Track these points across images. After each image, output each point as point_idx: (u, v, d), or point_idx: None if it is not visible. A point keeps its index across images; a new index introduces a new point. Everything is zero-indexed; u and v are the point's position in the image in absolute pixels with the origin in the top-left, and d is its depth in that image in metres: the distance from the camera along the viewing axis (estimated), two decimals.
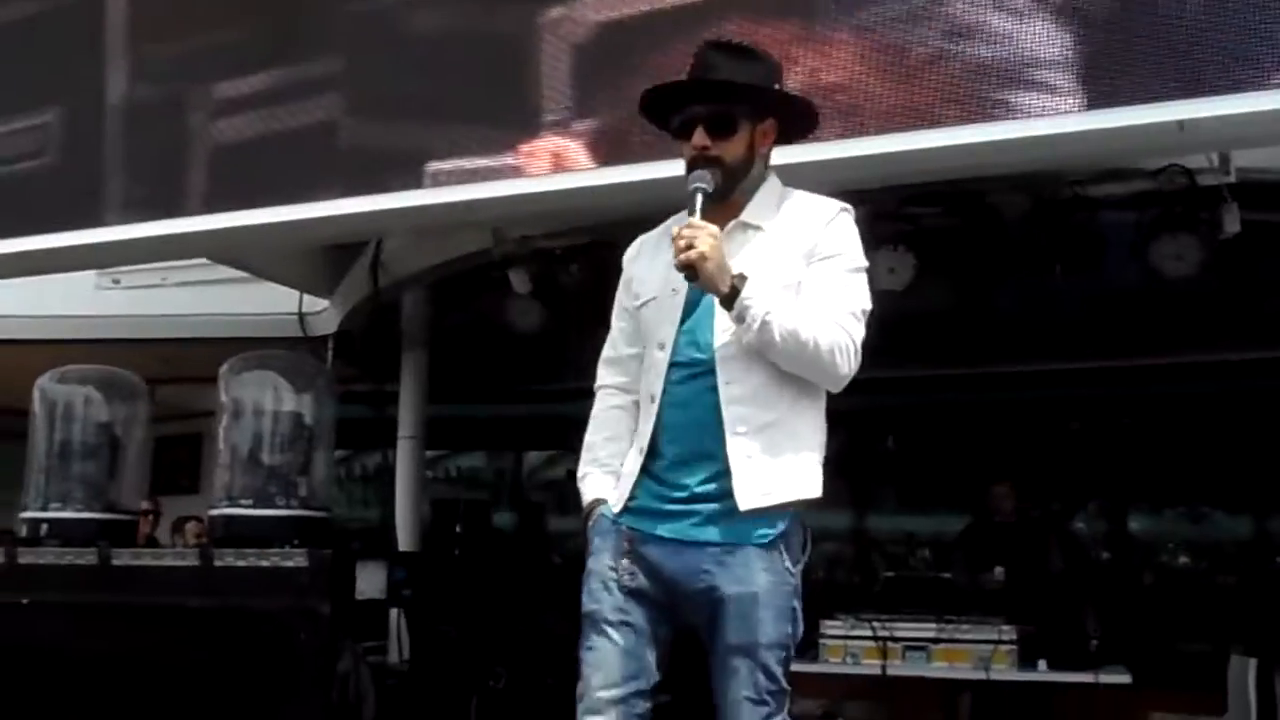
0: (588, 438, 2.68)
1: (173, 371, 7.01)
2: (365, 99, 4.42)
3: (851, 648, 5.53)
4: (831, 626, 5.58)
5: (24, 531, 5.52)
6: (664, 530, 2.47)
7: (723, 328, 2.43)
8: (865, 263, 2.48)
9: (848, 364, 2.39)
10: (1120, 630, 6.58)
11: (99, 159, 4.75)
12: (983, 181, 4.26)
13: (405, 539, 6.66)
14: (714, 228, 2.35)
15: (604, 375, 2.67)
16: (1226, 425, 8.27)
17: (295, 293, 6.55)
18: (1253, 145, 3.93)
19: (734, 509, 2.40)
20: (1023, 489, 6.50)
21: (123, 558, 5.12)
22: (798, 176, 2.65)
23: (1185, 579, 9.23)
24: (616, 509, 2.54)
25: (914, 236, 4.75)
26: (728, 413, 2.41)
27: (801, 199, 2.54)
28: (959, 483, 8.32)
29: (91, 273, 6.62)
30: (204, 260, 6.23)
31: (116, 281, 6.86)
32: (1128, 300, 5.78)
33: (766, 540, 2.42)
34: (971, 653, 5.38)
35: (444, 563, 7.43)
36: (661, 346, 2.49)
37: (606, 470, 2.62)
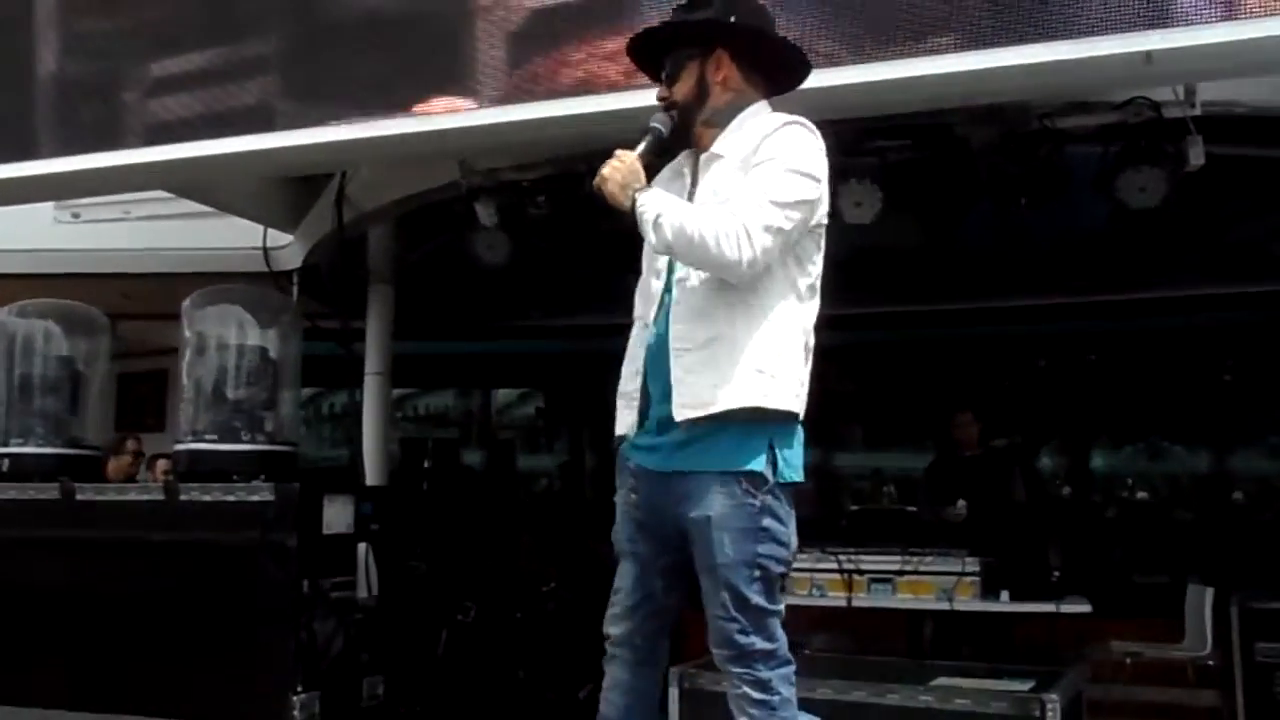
0: (624, 373, 2.76)
1: (135, 307, 6.92)
2: (327, 27, 4.34)
3: (818, 580, 5.60)
4: (798, 560, 5.63)
5: None
6: (647, 463, 2.63)
7: None
8: (801, 166, 2.51)
9: (736, 249, 2.42)
10: (1081, 562, 6.70)
11: (41, 88, 4.67)
12: (950, 114, 4.24)
13: (373, 475, 6.64)
14: (626, 154, 2.53)
15: (636, 306, 2.78)
16: (1187, 360, 8.37)
17: (259, 227, 6.45)
18: (1220, 77, 3.95)
19: (689, 435, 2.51)
20: (987, 424, 6.55)
21: (86, 493, 5.08)
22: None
23: (1144, 512, 9.38)
24: (630, 433, 2.68)
25: (880, 170, 4.73)
26: (672, 332, 2.55)
27: (758, 121, 2.61)
28: (925, 419, 8.40)
29: (49, 206, 6.50)
30: (166, 194, 6.13)
31: (76, 215, 6.74)
32: (1093, 234, 5.80)
33: (721, 466, 2.49)
34: (935, 584, 5.46)
35: (412, 498, 7.44)
36: (658, 274, 2.66)
37: (628, 402, 2.71)
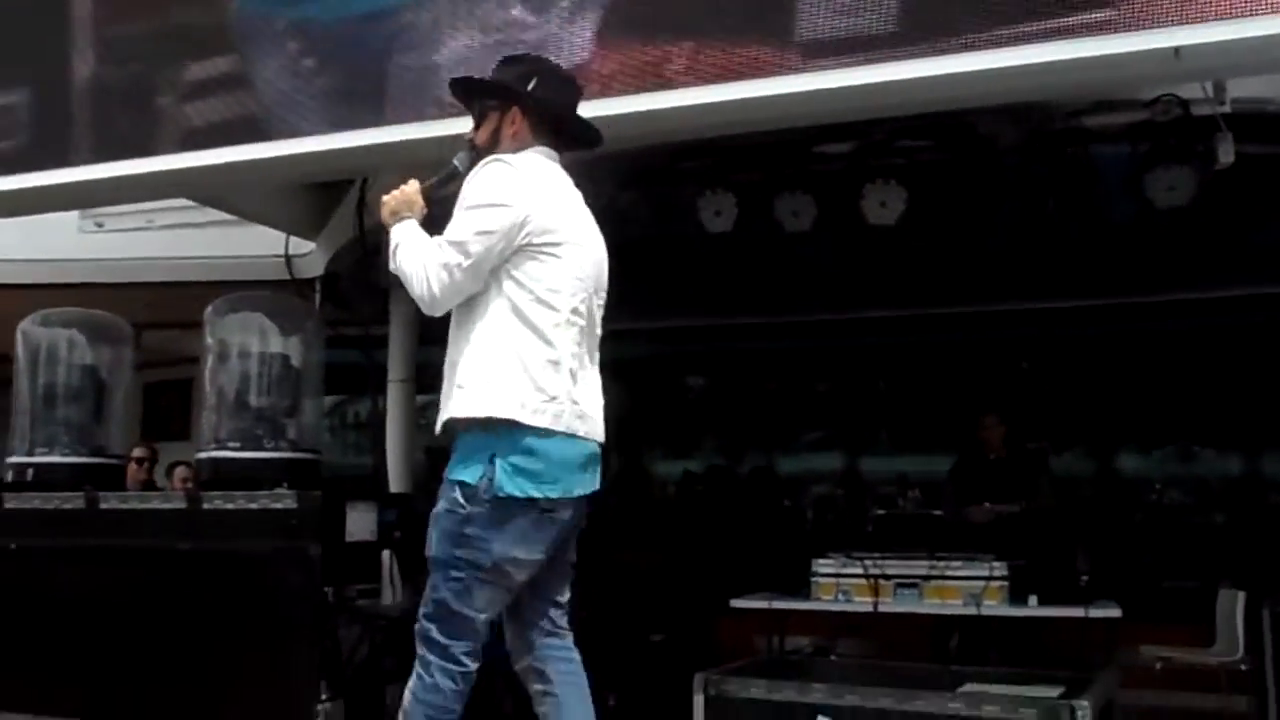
0: None
1: (159, 315, 6.95)
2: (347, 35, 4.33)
3: (843, 585, 5.55)
4: (824, 565, 5.60)
5: (10, 476, 5.48)
6: None
7: None
8: (480, 200, 2.76)
9: (421, 286, 2.76)
10: (1110, 567, 6.62)
11: (75, 98, 4.68)
12: (975, 114, 4.20)
13: (397, 483, 6.64)
14: (411, 183, 2.89)
15: None
16: (1217, 362, 8.26)
17: (281, 235, 6.47)
18: (1250, 73, 3.88)
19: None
20: (1014, 427, 6.49)
21: (110, 501, 5.09)
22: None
23: (1174, 516, 9.27)
24: None
25: (905, 171, 4.69)
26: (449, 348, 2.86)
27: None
28: (951, 422, 8.33)
29: (74, 215, 6.54)
30: (189, 203, 6.16)
31: (100, 225, 6.78)
32: (1121, 234, 5.73)
33: (447, 474, 2.79)
34: (962, 589, 5.40)
35: (436, 506, 7.42)
36: None
37: None
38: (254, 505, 4.71)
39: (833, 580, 5.55)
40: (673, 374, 9.90)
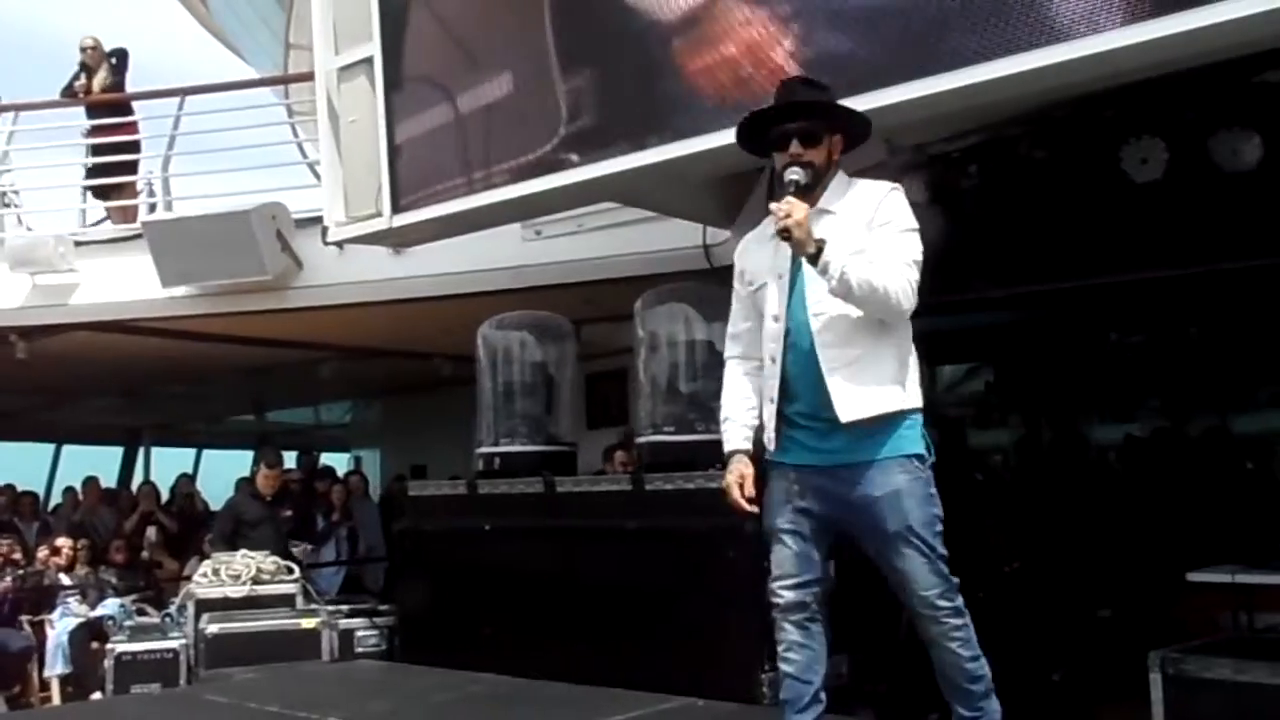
0: (725, 399, 3.48)
1: (595, 311, 7.46)
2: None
3: None
4: None
5: (480, 465, 6.13)
6: (812, 460, 3.24)
7: (815, 298, 3.20)
8: (915, 225, 3.23)
9: (908, 301, 3.16)
10: None
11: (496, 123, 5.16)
12: None
13: None
14: (803, 205, 3.13)
15: (732, 348, 3.50)
16: None
17: (699, 226, 6.74)
18: None
19: (849, 432, 3.16)
20: None
21: (565, 485, 5.56)
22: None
23: None
24: (771, 448, 3.31)
25: (1257, 112, 4.17)
26: (823, 356, 3.19)
27: (860, 185, 3.32)
28: None
29: (517, 227, 7.16)
30: (613, 205, 6.57)
31: (539, 233, 7.38)
32: None
33: (894, 452, 3.17)
34: None
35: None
36: (776, 319, 3.29)
37: (741, 424, 3.41)
38: (691, 485, 4.98)
39: None
40: (1098, 333, 9.29)
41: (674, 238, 6.87)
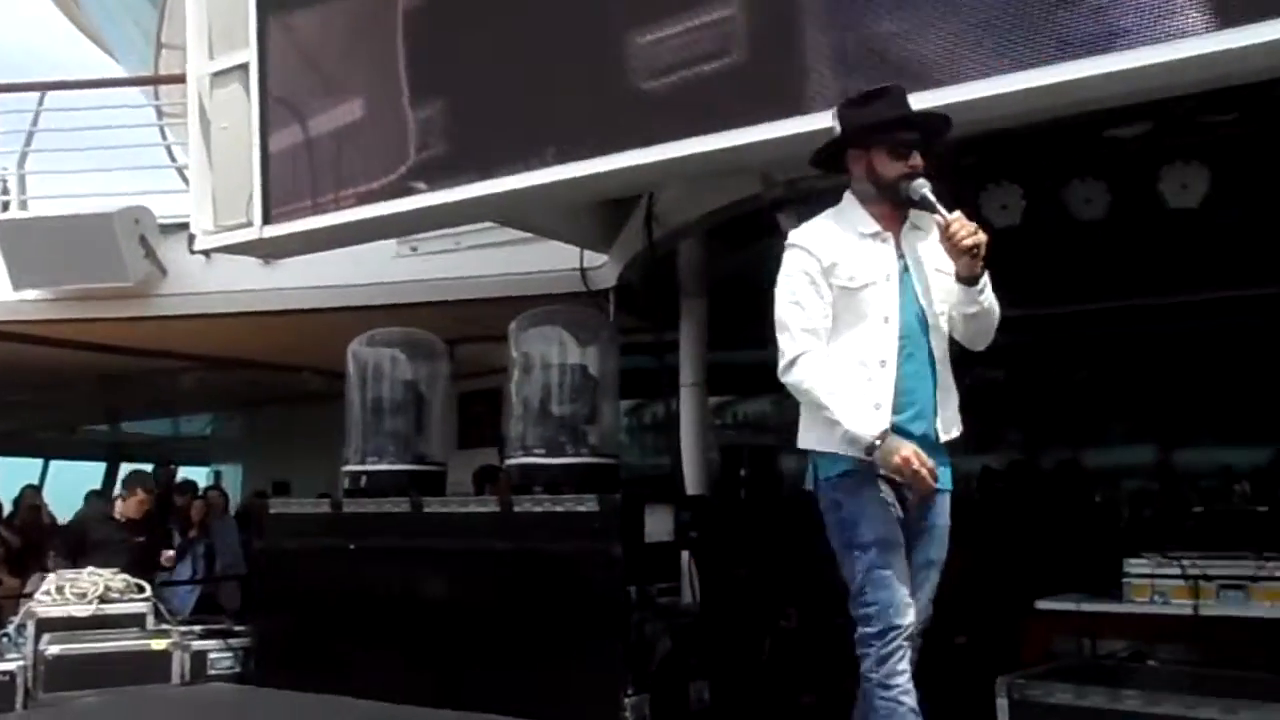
0: (828, 388, 3.17)
1: (468, 331, 7.42)
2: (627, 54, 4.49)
3: (1159, 587, 5.24)
4: (1137, 565, 5.31)
5: (346, 483, 6.03)
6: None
7: (937, 306, 3.21)
8: None
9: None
10: None
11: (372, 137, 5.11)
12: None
13: (693, 484, 6.80)
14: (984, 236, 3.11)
15: (813, 343, 3.20)
16: None
17: (576, 249, 6.77)
18: None
19: (941, 452, 3.25)
20: None
21: (432, 505, 5.50)
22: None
23: None
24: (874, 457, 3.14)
25: (1206, 148, 4.40)
26: (939, 371, 3.22)
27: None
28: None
29: (392, 242, 7.08)
30: (491, 224, 6.55)
31: (415, 249, 7.31)
32: None
33: (950, 486, 3.29)
34: None
35: (731, 506, 7.54)
36: (887, 320, 3.17)
37: (868, 406, 3.15)
38: (559, 508, 4.98)
39: (1147, 581, 5.25)
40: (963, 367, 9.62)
41: (552, 260, 6.89)
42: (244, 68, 5.51)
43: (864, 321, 3.16)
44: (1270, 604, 5.05)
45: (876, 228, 3.26)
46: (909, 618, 3.08)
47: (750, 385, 10.77)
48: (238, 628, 6.97)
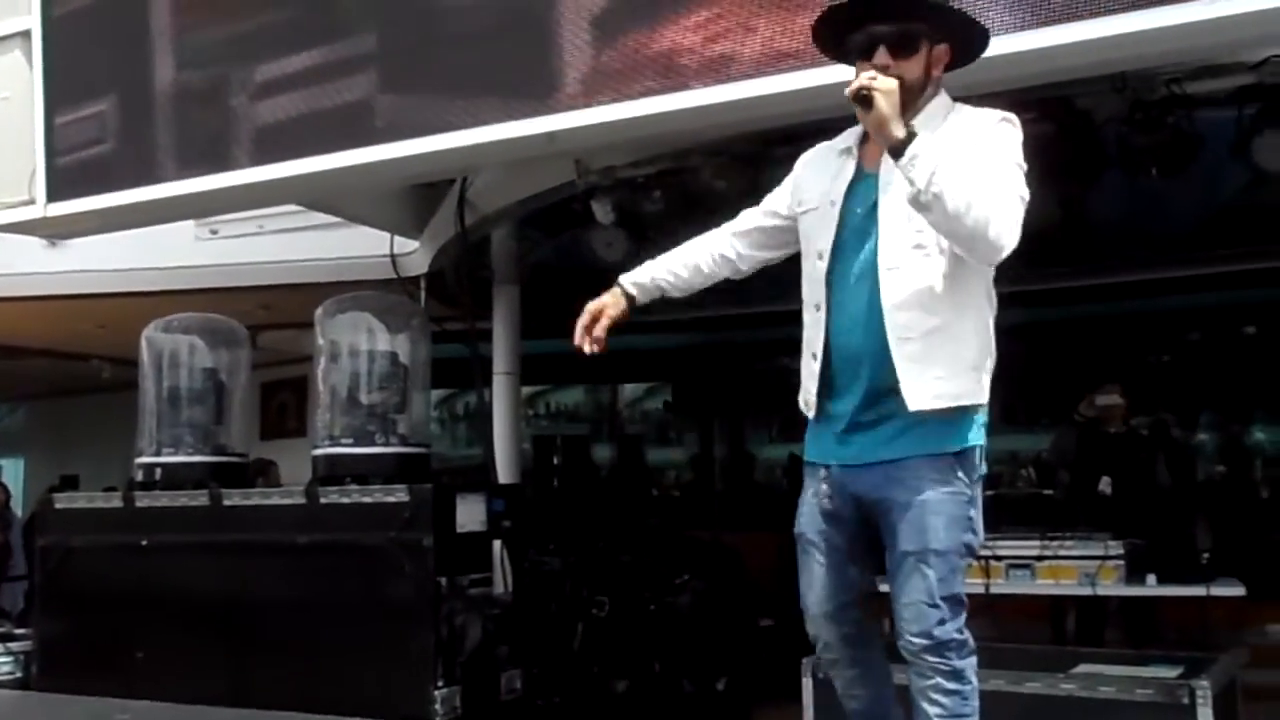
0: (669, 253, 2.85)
1: (273, 317, 7.18)
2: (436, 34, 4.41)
3: None
4: None
5: (140, 476, 5.73)
6: (839, 457, 2.58)
7: (890, 241, 2.45)
8: (1025, 167, 2.44)
9: (1010, 238, 2.32)
10: (1235, 543, 6.41)
11: (175, 111, 4.88)
12: (1071, 85, 4.09)
13: (505, 473, 6.76)
14: (888, 79, 2.31)
15: (720, 229, 2.80)
16: None
17: (386, 235, 6.63)
18: None
19: (903, 422, 2.45)
20: (1133, 401, 6.29)
21: (233, 498, 5.29)
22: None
23: None
24: (810, 413, 2.62)
25: None
26: (892, 320, 2.43)
27: (968, 112, 2.52)
28: (1066, 399, 8.15)
29: (190, 224, 6.78)
30: (298, 208, 6.34)
31: (214, 232, 7.02)
32: (1232, 200, 5.55)
33: (936, 449, 2.46)
34: (1077, 569, 5.31)
35: (543, 495, 7.52)
36: (820, 256, 2.55)
37: (653, 270, 2.84)
38: (368, 499, 4.85)
39: None
40: (767, 358, 9.88)
41: (360, 245, 6.73)
42: (26, 34, 5.18)
43: (808, 259, 2.60)
44: (1054, 581, 5.36)
45: (849, 143, 2.62)
46: (821, 631, 2.72)
47: (563, 375, 10.81)
48: (18, 631, 6.57)
